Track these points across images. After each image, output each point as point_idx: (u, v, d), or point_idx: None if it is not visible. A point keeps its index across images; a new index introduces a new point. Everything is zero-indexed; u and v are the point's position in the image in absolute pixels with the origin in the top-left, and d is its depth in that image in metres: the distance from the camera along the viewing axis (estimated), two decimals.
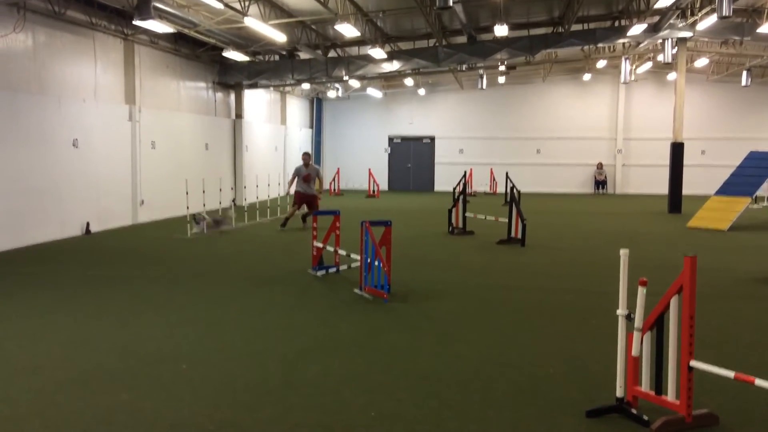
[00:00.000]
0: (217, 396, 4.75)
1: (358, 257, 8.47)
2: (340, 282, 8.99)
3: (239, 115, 22.03)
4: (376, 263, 7.89)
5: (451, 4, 12.43)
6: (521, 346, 6.08)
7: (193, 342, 6.14)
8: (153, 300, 7.92)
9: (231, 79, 20.72)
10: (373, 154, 31.05)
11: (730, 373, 4.02)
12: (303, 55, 20.49)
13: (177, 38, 17.20)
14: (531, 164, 30.04)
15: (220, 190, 16.29)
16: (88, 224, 13.93)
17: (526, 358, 5.68)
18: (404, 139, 31.33)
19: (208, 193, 15.00)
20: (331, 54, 20.42)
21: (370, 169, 28.19)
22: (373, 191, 26.83)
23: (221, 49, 18.04)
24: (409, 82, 27.33)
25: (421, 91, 29.95)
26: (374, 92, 29.29)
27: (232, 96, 21.83)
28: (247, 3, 14.19)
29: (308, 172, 15.12)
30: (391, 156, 31.49)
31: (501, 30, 16.47)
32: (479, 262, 10.92)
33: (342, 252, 9.39)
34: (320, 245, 9.53)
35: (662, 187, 21.07)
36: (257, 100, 23.91)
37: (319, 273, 9.44)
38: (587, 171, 30.18)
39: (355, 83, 26.62)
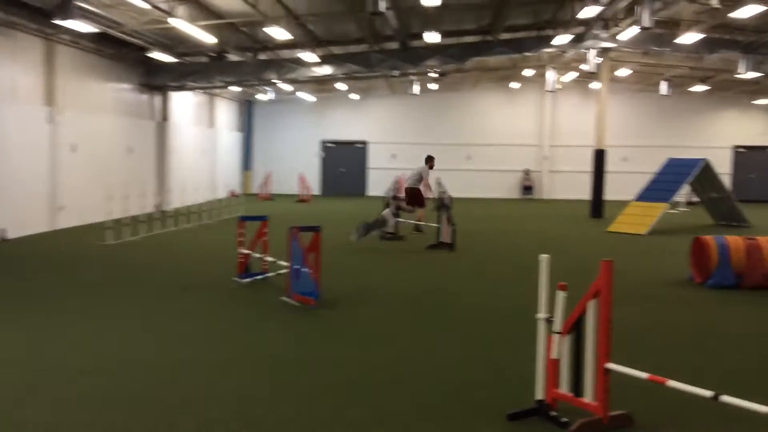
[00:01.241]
0: (135, 410, 4.58)
1: (287, 264, 8.36)
2: (268, 289, 8.85)
3: (165, 118, 21.47)
4: (304, 270, 7.81)
5: (382, 9, 12.48)
6: (447, 351, 6.12)
7: (112, 354, 5.92)
8: (71, 310, 7.60)
9: (157, 81, 20.16)
10: (305, 158, 30.85)
11: (644, 375, 4.15)
12: (233, 58, 20.17)
13: (101, 38, 16.61)
14: (462, 170, 30.48)
15: (143, 194, 15.83)
16: (4, 230, 13.29)
17: (451, 364, 5.72)
18: (337, 143, 31.28)
19: (131, 198, 14.55)
20: (262, 57, 20.18)
21: (302, 174, 28.00)
22: (306, 196, 26.65)
23: (147, 50, 17.56)
24: (342, 86, 27.30)
25: (354, 96, 29.97)
26: (306, 96, 29.12)
27: (158, 98, 21.24)
28: (173, 3, 13.86)
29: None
30: (324, 161, 31.38)
31: (432, 37, 16.65)
32: (409, 268, 10.97)
33: (270, 259, 9.25)
34: (246, 252, 9.37)
35: (586, 193, 21.73)
36: (185, 103, 23.38)
37: (246, 281, 9.26)
38: (515, 177, 30.86)
39: (286, 87, 26.40)
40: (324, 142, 31.30)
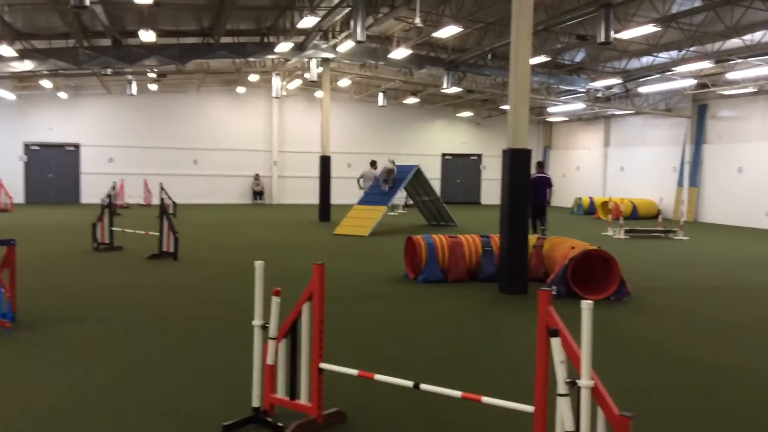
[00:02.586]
0: None
1: None
2: None
3: None
4: None
5: (87, 3, 11.46)
6: (163, 366, 5.75)
7: None
8: None
9: None
10: (4, 162, 27.27)
11: (354, 371, 4.27)
12: None
13: None
14: (188, 175, 29.49)
15: None
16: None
17: (167, 379, 5.37)
18: (43, 146, 28.18)
19: None
20: None
21: (0, 180, 24.70)
22: (5, 205, 23.57)
23: None
24: (47, 84, 24.66)
25: (62, 95, 27.26)
26: (5, 94, 25.77)
27: None
28: None
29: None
30: (29, 165, 28.07)
31: (148, 36, 15.80)
32: (126, 280, 10.19)
33: None
34: None
35: (315, 198, 22.33)
36: None
37: None
38: (245, 182, 30.71)
39: None
40: (28, 145, 28.01)
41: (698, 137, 24.18)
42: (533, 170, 16.18)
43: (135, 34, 17.45)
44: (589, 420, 3.15)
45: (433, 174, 30.40)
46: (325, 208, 21.27)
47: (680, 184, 24.96)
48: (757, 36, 16.31)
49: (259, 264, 4.40)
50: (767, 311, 8.58)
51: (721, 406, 4.97)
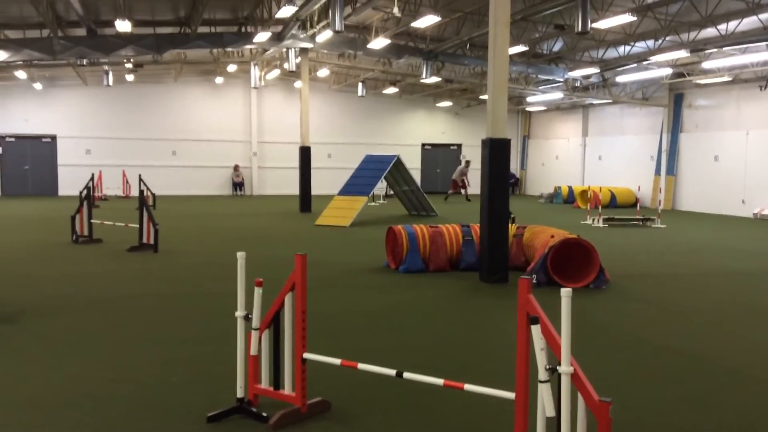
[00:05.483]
0: None
1: None
2: None
3: None
4: None
5: None
6: (144, 357, 5.74)
7: None
8: None
9: None
10: None
11: (337, 361, 4.30)
12: None
13: None
14: (167, 166, 29.27)
15: None
16: None
17: (148, 371, 5.36)
18: (19, 137, 27.79)
19: None
20: None
21: None
22: None
23: None
24: (21, 74, 24.29)
25: (38, 86, 26.86)
26: None
27: None
28: None
29: None
30: (4, 157, 27.68)
31: (123, 26, 15.63)
32: (105, 272, 10.12)
33: None
34: None
35: (296, 188, 22.26)
36: None
37: None
38: (225, 173, 30.53)
39: None
40: (3, 137, 27.61)
41: (675, 126, 24.45)
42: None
43: (111, 24, 17.26)
44: (570, 406, 3.21)
45: (413, 164, 30.44)
46: (306, 199, 21.22)
47: (657, 172, 25.25)
48: (732, 25, 16.51)
49: (240, 255, 4.40)
50: (743, 298, 8.74)
51: (695, 393, 5.08)
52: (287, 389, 4.37)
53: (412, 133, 33.33)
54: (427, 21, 16.05)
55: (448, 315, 7.67)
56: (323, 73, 27.19)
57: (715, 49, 18.14)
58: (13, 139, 27.75)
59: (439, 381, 3.84)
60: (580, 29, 13.95)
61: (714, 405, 4.79)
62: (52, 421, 4.32)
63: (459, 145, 34.18)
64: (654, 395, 4.94)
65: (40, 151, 28.09)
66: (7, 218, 17.98)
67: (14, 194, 27.38)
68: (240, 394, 4.42)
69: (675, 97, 24.56)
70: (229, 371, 5.06)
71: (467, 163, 28.03)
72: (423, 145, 33.68)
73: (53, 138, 28.22)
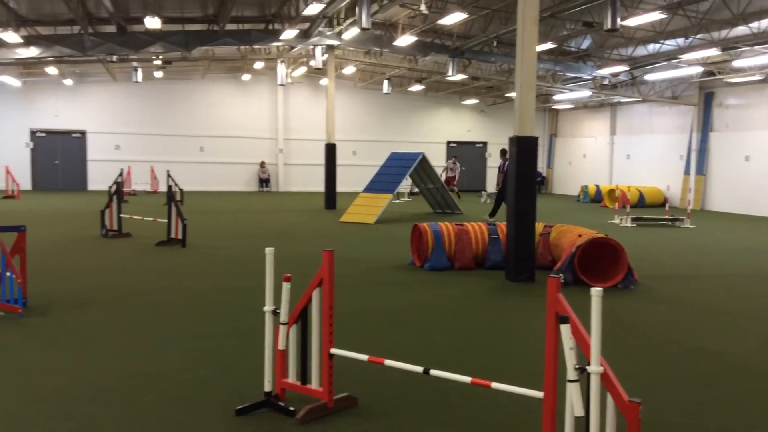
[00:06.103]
0: None
1: None
2: None
3: None
4: (8, 274, 6.89)
5: None
6: (174, 352, 5.81)
7: None
8: None
9: None
10: (11, 149, 27.39)
11: (364, 357, 4.32)
12: None
13: None
14: (195, 162, 29.56)
15: None
16: None
17: (177, 364, 5.43)
18: (50, 132, 28.26)
19: None
20: None
21: (7, 167, 24.81)
22: (12, 191, 23.68)
23: None
24: (52, 70, 24.69)
25: (68, 81, 27.29)
26: (10, 80, 25.82)
27: None
28: None
29: None
30: (35, 152, 28.17)
31: (153, 23, 15.79)
32: (135, 266, 10.27)
33: None
34: None
35: (321, 185, 22.35)
36: None
37: None
38: (251, 169, 30.74)
39: None
40: (34, 132, 28.10)
41: (705, 125, 24.09)
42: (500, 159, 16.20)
43: (140, 21, 17.46)
44: (599, 406, 3.19)
45: (438, 162, 30.35)
46: (331, 196, 21.30)
47: (687, 172, 24.90)
48: (764, 24, 16.21)
49: (269, 250, 4.43)
50: None
51: (725, 395, 5.01)
52: (314, 384, 4.40)
53: (437, 131, 33.26)
54: (454, 18, 16.01)
55: (474, 313, 7.65)
56: (349, 70, 27.24)
57: (746, 48, 17.83)
58: (43, 134, 28.23)
59: (467, 379, 3.83)
60: (609, 27, 13.80)
61: (744, 408, 4.72)
62: (82, 412, 4.39)
63: (485, 143, 34.03)
64: (683, 397, 4.88)
65: (70, 146, 28.54)
66: (38, 213, 18.30)
67: (45, 188, 27.85)
68: (268, 388, 4.46)
69: (705, 96, 24.19)
70: (256, 365, 5.11)
71: (454, 159, 27.64)
72: (448, 142, 33.57)
73: (83, 133, 28.66)
